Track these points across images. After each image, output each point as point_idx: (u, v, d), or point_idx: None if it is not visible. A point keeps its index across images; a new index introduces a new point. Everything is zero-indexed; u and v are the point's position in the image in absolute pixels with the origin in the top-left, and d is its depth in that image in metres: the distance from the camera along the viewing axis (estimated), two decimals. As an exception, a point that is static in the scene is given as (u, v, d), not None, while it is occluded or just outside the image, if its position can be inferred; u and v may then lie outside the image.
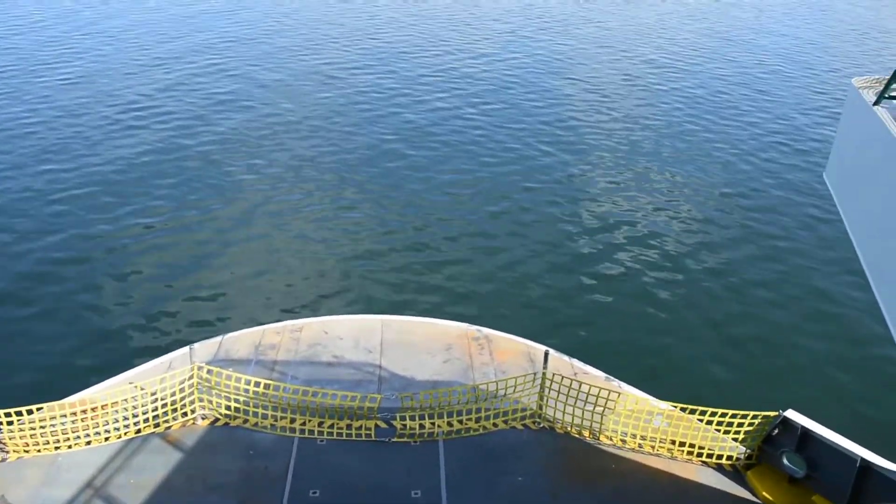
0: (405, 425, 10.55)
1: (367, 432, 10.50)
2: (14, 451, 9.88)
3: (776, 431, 10.07)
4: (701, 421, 10.22)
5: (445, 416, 10.67)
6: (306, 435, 10.42)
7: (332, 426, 10.52)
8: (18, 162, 24.74)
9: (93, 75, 34.42)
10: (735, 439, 10.26)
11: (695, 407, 10.13)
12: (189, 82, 34.03)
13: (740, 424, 10.07)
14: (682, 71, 40.09)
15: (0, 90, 31.99)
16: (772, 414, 9.99)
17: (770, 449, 10.14)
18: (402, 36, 44.48)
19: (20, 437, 9.87)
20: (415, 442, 10.44)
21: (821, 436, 9.60)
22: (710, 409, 10.09)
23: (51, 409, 10.11)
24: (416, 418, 10.59)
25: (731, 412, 10.06)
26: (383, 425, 10.64)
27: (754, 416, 10.02)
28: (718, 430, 10.23)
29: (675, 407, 10.37)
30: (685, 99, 34.81)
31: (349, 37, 44.02)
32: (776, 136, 30.36)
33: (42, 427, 9.94)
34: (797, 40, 49.50)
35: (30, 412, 9.85)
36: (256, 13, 49.37)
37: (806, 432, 9.73)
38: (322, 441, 10.37)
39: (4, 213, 21.32)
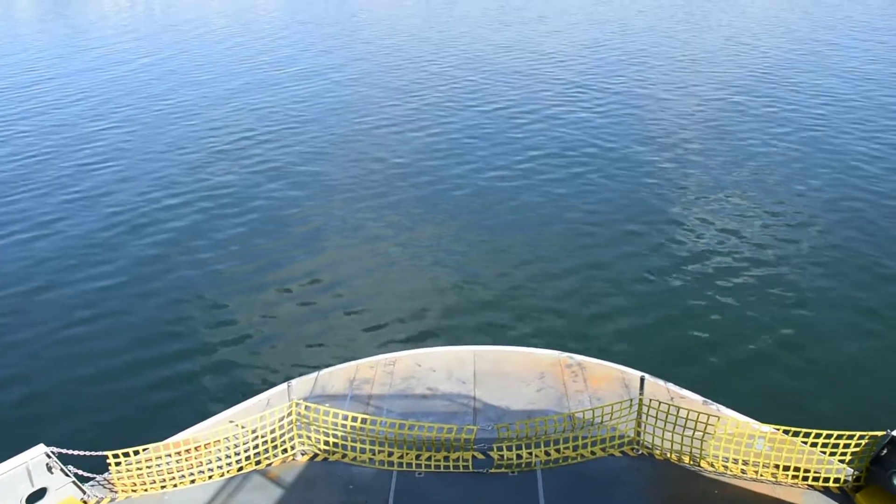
0: (502, 456, 10.53)
1: (465, 464, 10.50)
2: (122, 490, 10.12)
3: (884, 451, 9.77)
4: (805, 443, 9.99)
5: (542, 446, 10.63)
6: (404, 468, 10.47)
7: (429, 458, 10.55)
8: (116, 210, 25.66)
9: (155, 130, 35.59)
10: (841, 461, 9.99)
11: (798, 429, 9.92)
12: (278, 122, 35.23)
13: (846, 445, 9.82)
14: (778, 86, 39.86)
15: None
16: (879, 433, 9.72)
17: (879, 469, 9.85)
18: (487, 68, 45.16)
19: (128, 478, 10.11)
20: (512, 472, 10.41)
21: None
22: (815, 431, 9.86)
23: (156, 449, 10.37)
24: (513, 448, 10.57)
25: (836, 433, 9.82)
26: (480, 456, 10.63)
27: (861, 437, 9.76)
28: (824, 452, 9.98)
29: (778, 429, 10.17)
30: (781, 118, 34.37)
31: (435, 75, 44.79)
32: (878, 151, 29.73)
33: (148, 467, 10.18)
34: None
35: (136, 453, 10.11)
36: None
37: None
38: (420, 474, 10.41)
39: (101, 257, 22.13)
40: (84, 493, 10.03)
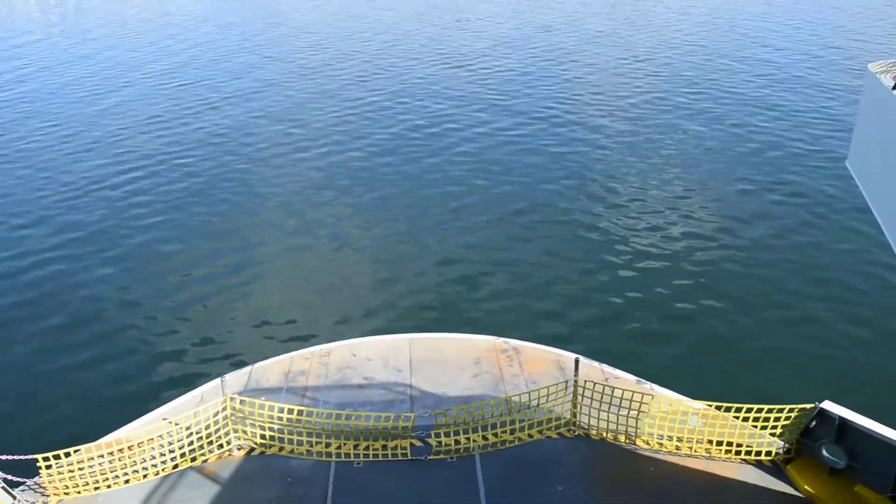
0: (440, 442, 10.54)
1: (403, 452, 10.50)
2: (54, 493, 9.95)
3: (814, 423, 9.96)
4: (737, 418, 10.15)
5: (480, 431, 10.66)
6: (342, 458, 10.43)
7: (367, 448, 10.52)
8: (49, 202, 24.99)
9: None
10: (773, 434, 10.16)
11: (730, 404, 10.05)
12: (197, 110, 34.47)
13: (777, 419, 9.99)
14: (690, 62, 40.51)
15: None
16: (808, 406, 9.89)
17: (809, 441, 10.03)
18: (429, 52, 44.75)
19: (59, 480, 9.93)
20: (451, 458, 10.43)
21: (859, 425, 9.48)
22: (746, 406, 10.01)
23: (88, 450, 10.20)
24: (451, 434, 10.58)
25: (766, 407, 9.97)
26: (418, 444, 10.63)
27: (791, 410, 9.92)
28: (755, 426, 10.14)
29: (710, 405, 10.29)
30: (697, 93, 34.89)
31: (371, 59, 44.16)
32: (794, 127, 30.15)
33: (80, 468, 10.00)
34: (808, 26, 49.26)
35: (67, 454, 9.93)
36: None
37: (844, 422, 9.61)
38: (359, 464, 10.38)
39: (36, 255, 21.54)
40: (14, 497, 9.82)
